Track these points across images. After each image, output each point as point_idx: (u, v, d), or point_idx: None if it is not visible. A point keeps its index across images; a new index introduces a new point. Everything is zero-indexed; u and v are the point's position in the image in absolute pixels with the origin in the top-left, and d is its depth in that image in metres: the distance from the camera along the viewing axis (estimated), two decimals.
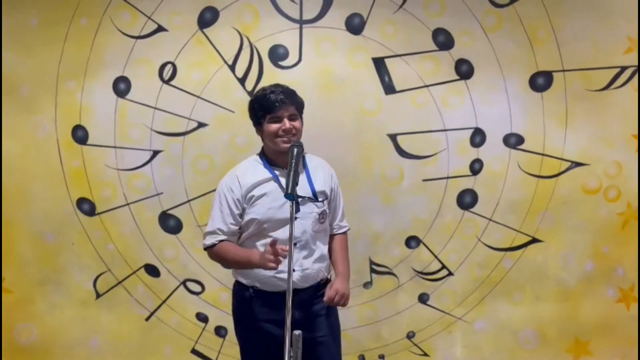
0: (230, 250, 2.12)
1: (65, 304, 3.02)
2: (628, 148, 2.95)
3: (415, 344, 3.05)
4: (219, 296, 3.01)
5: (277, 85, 2.12)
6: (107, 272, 3.00)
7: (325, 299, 2.09)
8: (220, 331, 3.03)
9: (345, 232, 2.31)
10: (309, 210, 2.10)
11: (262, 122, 2.10)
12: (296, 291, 2.06)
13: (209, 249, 2.15)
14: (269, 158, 2.15)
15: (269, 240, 2.03)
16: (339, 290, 2.10)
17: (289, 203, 1.95)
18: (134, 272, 3.01)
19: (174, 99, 2.92)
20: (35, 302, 3.02)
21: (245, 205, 2.11)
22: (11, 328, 3.02)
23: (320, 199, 2.13)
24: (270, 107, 2.06)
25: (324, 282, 2.19)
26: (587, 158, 2.95)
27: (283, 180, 2.07)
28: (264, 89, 2.13)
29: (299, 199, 2.06)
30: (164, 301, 3.03)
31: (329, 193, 2.18)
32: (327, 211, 2.18)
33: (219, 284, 3.00)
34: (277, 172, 2.11)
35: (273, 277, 2.06)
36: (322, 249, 2.17)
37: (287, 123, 2.06)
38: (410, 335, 3.05)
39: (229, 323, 2.98)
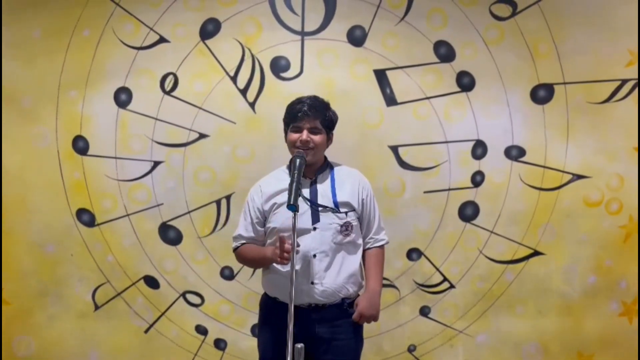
0: (248, 250, 2.17)
1: (64, 315, 2.99)
2: (630, 161, 2.94)
3: (416, 358, 3.02)
4: (218, 309, 2.99)
5: (310, 97, 2.14)
6: (106, 283, 2.98)
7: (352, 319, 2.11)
8: (219, 344, 3.01)
9: (381, 246, 2.22)
10: (329, 221, 2.06)
11: (287, 130, 2.13)
12: (318, 307, 2.06)
13: (235, 252, 2.22)
14: None
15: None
16: (363, 314, 2.11)
17: (308, 212, 2.00)
18: (134, 284, 2.99)
19: (175, 109, 2.92)
20: (34, 314, 2.99)
21: (267, 214, 2.13)
22: (9, 340, 2.99)
23: (343, 210, 2.08)
24: (293, 116, 2.08)
25: (350, 302, 2.13)
26: (589, 170, 2.95)
27: (304, 190, 2.07)
28: (299, 97, 2.15)
29: (319, 209, 2.05)
30: (163, 313, 3.00)
31: (356, 205, 2.13)
32: (353, 223, 2.11)
33: (219, 296, 2.98)
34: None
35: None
36: (346, 263, 2.10)
37: (305, 134, 2.06)
38: (411, 349, 3.02)
39: (228, 336, 2.99)
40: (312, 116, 2.08)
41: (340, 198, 2.10)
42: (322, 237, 2.05)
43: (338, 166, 2.22)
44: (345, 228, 2.09)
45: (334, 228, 2.07)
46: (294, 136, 2.08)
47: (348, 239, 2.10)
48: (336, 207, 2.08)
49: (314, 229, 2.05)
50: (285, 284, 2.03)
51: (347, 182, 2.15)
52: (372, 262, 2.19)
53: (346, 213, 2.09)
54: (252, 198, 2.17)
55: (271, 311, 2.13)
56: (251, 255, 2.18)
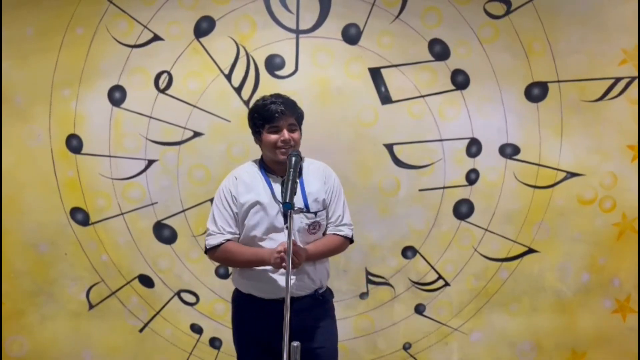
0: (237, 250, 2.10)
1: (58, 315, 2.98)
2: (623, 159, 2.96)
3: (411, 355, 3.03)
4: (213, 307, 2.98)
5: (277, 96, 2.11)
6: (100, 282, 2.97)
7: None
8: (214, 342, 3.00)
9: (339, 236, 2.17)
10: (299, 221, 2.08)
11: (261, 131, 2.10)
12: (293, 299, 2.04)
13: (214, 249, 2.11)
14: (267, 166, 2.14)
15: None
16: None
17: (280, 212, 1.99)
18: (128, 283, 2.98)
19: (169, 108, 2.91)
20: (27, 314, 2.98)
21: (242, 210, 2.10)
22: (2, 340, 2.98)
23: (312, 210, 2.09)
24: (270, 117, 2.06)
25: (322, 292, 2.17)
26: (583, 168, 2.96)
27: (277, 189, 2.07)
28: (264, 98, 2.12)
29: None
30: (158, 312, 2.99)
31: (327, 201, 2.14)
32: (322, 223, 2.14)
33: (214, 295, 2.97)
34: (271, 181, 2.11)
35: (268, 285, 2.06)
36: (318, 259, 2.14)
37: (286, 134, 2.06)
38: (406, 347, 3.03)
39: (223, 334, 2.98)
40: (288, 114, 2.07)
41: (310, 198, 2.11)
42: (292, 236, 2.02)
43: (305, 161, 2.18)
44: (313, 227, 2.11)
45: (302, 228, 2.09)
46: (274, 137, 2.06)
47: (314, 237, 2.12)
48: (306, 208, 2.09)
49: (286, 227, 2.03)
50: (260, 280, 2.08)
51: (314, 181, 2.14)
52: (323, 240, 2.14)
53: (315, 213, 2.10)
54: (229, 191, 2.12)
55: (248, 307, 2.13)
56: (241, 256, 2.08)
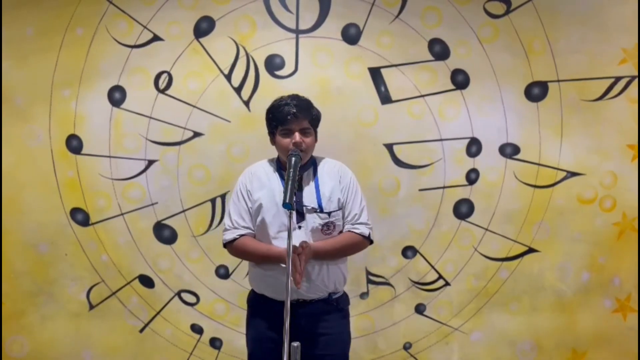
0: (251, 245, 2.10)
1: (58, 315, 2.98)
2: (623, 158, 2.96)
3: (412, 355, 3.03)
4: (213, 307, 2.98)
5: (294, 97, 2.11)
6: (100, 283, 2.97)
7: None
8: (215, 343, 3.00)
9: (356, 234, 2.11)
10: (313, 221, 2.07)
11: (275, 132, 2.11)
12: (304, 303, 2.07)
13: (230, 244, 2.13)
14: (282, 166, 2.15)
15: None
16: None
17: (294, 211, 1.96)
18: (128, 283, 2.98)
19: (169, 108, 2.91)
20: (27, 314, 2.98)
21: (252, 205, 2.11)
22: (2, 340, 2.98)
23: (326, 210, 2.08)
24: (282, 119, 2.06)
25: (337, 298, 2.14)
26: (583, 168, 2.96)
27: None
28: (281, 98, 2.12)
29: (304, 208, 2.05)
30: (158, 312, 2.99)
31: (342, 200, 2.13)
32: (337, 223, 2.11)
33: (214, 295, 2.97)
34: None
35: (279, 286, 2.04)
36: (332, 260, 2.10)
37: (297, 137, 2.05)
38: (407, 347, 3.03)
39: (224, 334, 2.98)
40: (301, 117, 2.06)
41: (324, 198, 2.10)
42: (305, 236, 2.06)
43: (321, 161, 2.20)
44: (327, 227, 2.09)
45: (316, 228, 2.08)
46: (286, 141, 2.07)
47: (328, 237, 2.10)
48: (320, 208, 2.08)
49: (299, 227, 2.06)
50: (273, 281, 2.07)
51: (329, 181, 2.14)
52: (336, 237, 2.10)
53: (329, 214, 2.09)
54: (245, 186, 2.14)
55: (260, 308, 2.14)
56: (254, 250, 2.08)
